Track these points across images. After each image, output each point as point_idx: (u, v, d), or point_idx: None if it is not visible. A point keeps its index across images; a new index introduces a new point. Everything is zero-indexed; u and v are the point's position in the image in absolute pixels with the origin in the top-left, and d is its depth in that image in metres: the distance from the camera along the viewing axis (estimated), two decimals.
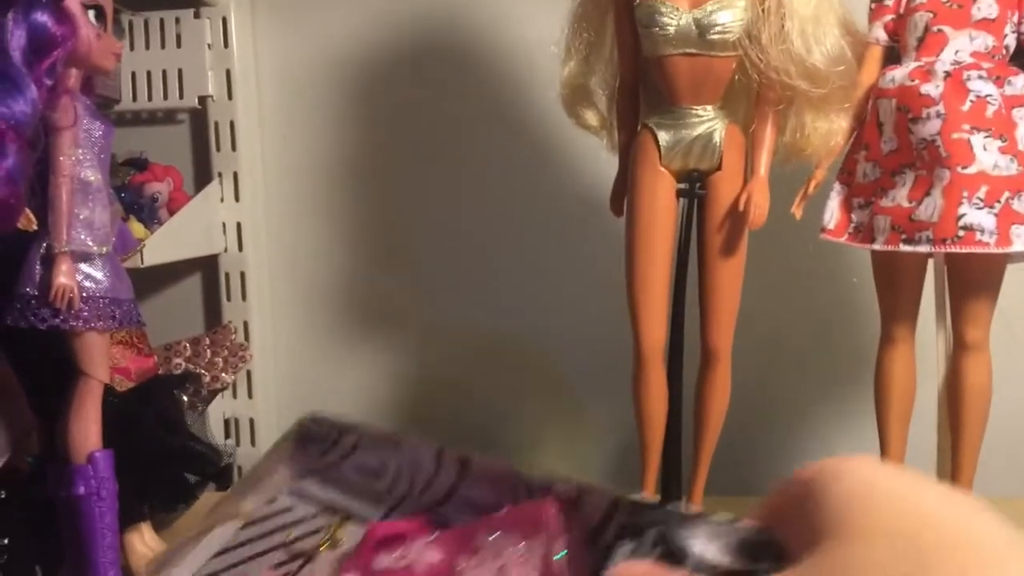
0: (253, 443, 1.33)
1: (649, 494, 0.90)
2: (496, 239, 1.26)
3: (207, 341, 1.29)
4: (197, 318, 1.36)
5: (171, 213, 1.22)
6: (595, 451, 1.26)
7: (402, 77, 1.26)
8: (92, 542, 0.80)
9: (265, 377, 1.34)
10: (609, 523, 0.47)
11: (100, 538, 0.81)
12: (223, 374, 1.28)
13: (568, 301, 1.23)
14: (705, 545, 0.39)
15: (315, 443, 0.64)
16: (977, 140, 0.75)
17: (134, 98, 1.28)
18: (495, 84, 1.22)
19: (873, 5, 0.86)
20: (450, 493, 0.57)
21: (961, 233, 0.74)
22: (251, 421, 1.33)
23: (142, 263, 1.08)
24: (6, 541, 0.71)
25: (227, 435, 1.33)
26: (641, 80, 0.88)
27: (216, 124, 1.28)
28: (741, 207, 0.81)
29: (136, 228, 1.14)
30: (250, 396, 1.33)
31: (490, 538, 0.51)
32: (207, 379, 1.26)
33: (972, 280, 0.80)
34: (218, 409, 1.31)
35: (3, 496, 0.73)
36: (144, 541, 0.90)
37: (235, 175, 1.29)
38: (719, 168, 0.83)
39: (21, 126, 0.73)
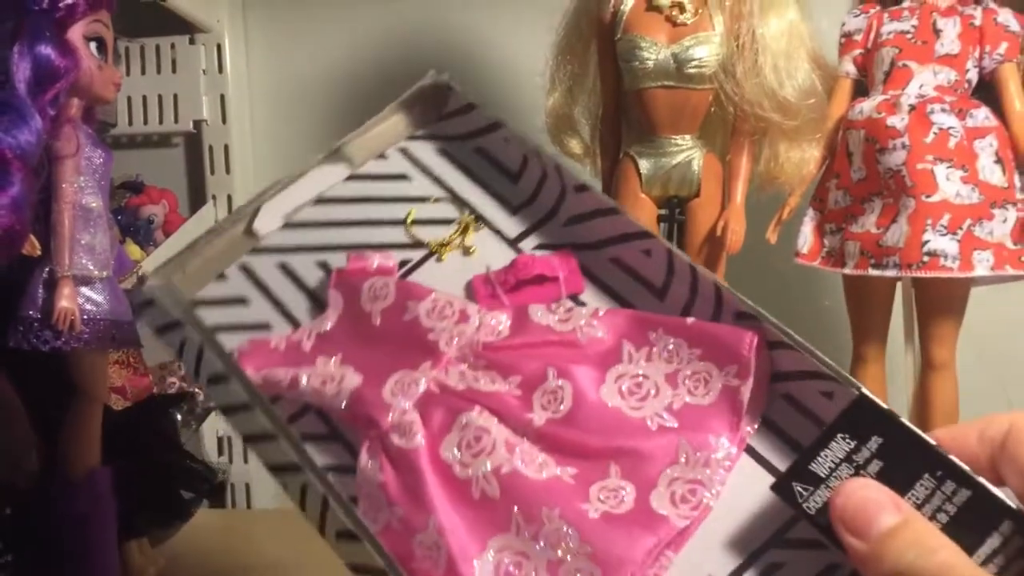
0: (246, 460, 1.35)
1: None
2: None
3: None
4: None
5: (166, 235, 1.25)
6: None
7: (393, 100, 1.29)
8: (92, 557, 0.83)
9: None
10: (805, 390, 0.43)
11: (100, 553, 0.84)
12: None
13: None
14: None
15: (436, 105, 0.57)
16: (940, 170, 0.79)
17: (130, 122, 1.31)
18: (486, 108, 1.25)
19: (843, 40, 0.90)
20: (603, 243, 0.51)
21: (926, 259, 0.78)
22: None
23: None
24: (9, 557, 0.73)
25: (220, 453, 1.35)
26: (623, 110, 0.91)
27: (210, 148, 1.31)
28: (719, 233, 0.85)
29: (132, 250, 1.17)
30: None
31: (665, 339, 0.46)
32: (201, 398, 1.29)
33: (937, 303, 0.83)
34: (211, 428, 1.33)
35: (7, 512, 0.75)
36: (142, 556, 0.93)
37: (229, 198, 1.32)
38: (697, 195, 0.86)
39: (26, 155, 0.76)
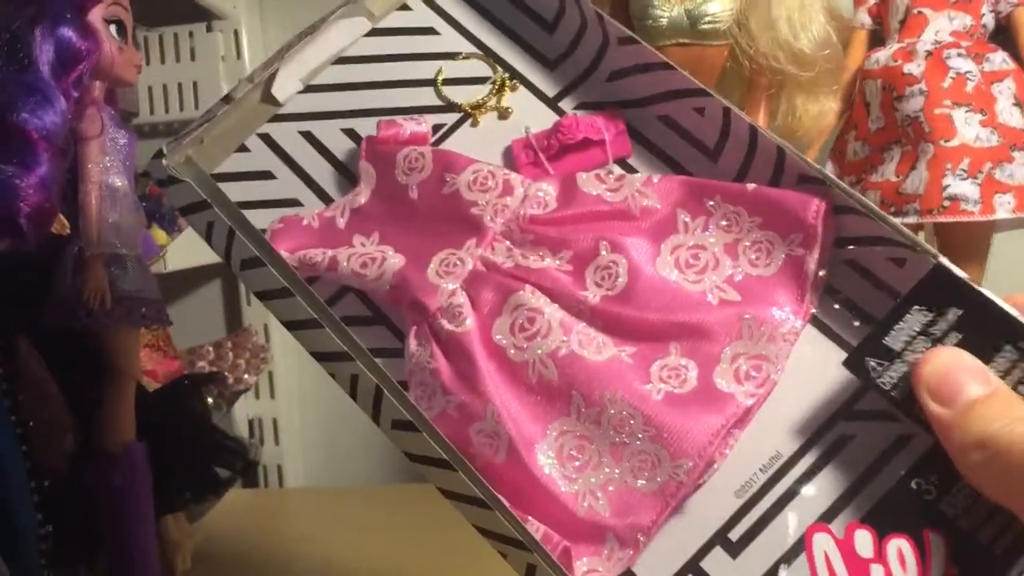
0: (276, 442, 1.37)
1: None
2: None
3: (229, 344, 1.33)
4: (218, 322, 1.40)
5: None
6: None
7: None
8: (129, 529, 0.84)
9: (287, 377, 1.38)
10: (872, 256, 0.41)
11: (137, 525, 0.85)
12: (245, 375, 1.32)
13: None
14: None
15: None
16: (958, 114, 0.78)
17: (151, 111, 1.32)
18: None
19: None
20: (648, 100, 0.47)
21: (946, 203, 0.77)
22: (274, 421, 1.37)
23: (165, 268, 1.12)
24: (50, 528, 0.75)
25: (251, 435, 1.37)
26: None
27: None
28: None
29: (158, 235, 1.18)
30: (272, 396, 1.37)
31: (723, 206, 0.43)
32: (230, 381, 1.30)
33: (960, 248, 0.83)
34: (242, 410, 1.35)
35: (45, 485, 0.76)
36: (178, 530, 0.94)
37: None
38: None
39: (52, 135, 0.77)
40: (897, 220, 0.78)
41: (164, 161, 0.45)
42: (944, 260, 0.37)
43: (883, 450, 0.38)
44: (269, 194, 0.48)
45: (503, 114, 0.49)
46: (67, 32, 0.80)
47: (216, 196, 0.45)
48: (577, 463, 0.39)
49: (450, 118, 0.49)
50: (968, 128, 0.78)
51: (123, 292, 0.85)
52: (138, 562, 0.84)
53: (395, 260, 0.44)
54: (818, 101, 0.86)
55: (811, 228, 0.40)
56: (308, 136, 0.49)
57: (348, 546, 0.97)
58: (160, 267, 1.10)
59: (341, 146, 0.49)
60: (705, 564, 0.38)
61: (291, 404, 1.38)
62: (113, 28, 0.85)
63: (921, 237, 0.87)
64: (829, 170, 0.89)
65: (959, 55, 0.80)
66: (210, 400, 1.18)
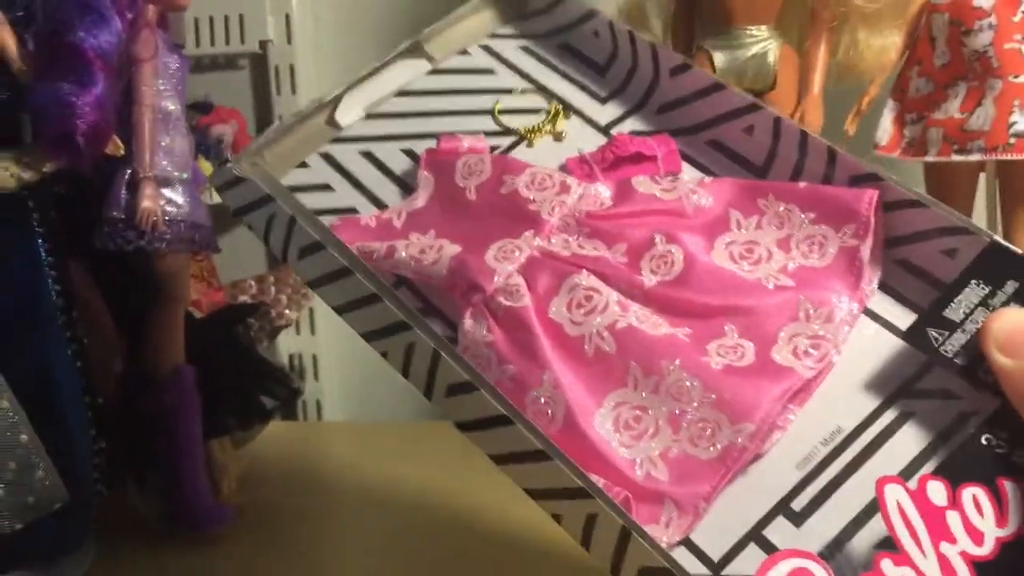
0: (316, 378, 1.38)
1: None
2: None
3: (271, 279, 1.34)
4: (260, 258, 1.41)
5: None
6: None
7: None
8: (178, 450, 0.86)
9: (328, 315, 1.37)
10: (923, 252, 0.42)
11: (186, 447, 0.86)
12: (287, 311, 1.33)
13: None
14: None
15: (521, 4, 0.56)
16: None
17: (197, 44, 1.32)
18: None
19: None
20: (699, 127, 0.50)
21: (1012, 140, 0.76)
22: (314, 357, 1.38)
23: (211, 199, 1.13)
24: (104, 444, 0.76)
25: (291, 369, 1.38)
26: (695, 2, 0.90)
27: (276, 68, 1.32)
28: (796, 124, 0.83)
29: (205, 167, 1.19)
30: (312, 332, 1.38)
31: (776, 205, 0.45)
32: (272, 315, 1.31)
33: (1022, 189, 0.81)
34: (283, 346, 1.36)
35: (99, 402, 0.78)
36: (225, 454, 0.95)
37: None
38: (773, 88, 0.85)
39: (108, 55, 0.77)
40: (960, 158, 0.77)
41: (229, 165, 0.49)
42: (999, 237, 0.39)
43: (947, 425, 0.38)
44: (327, 203, 0.51)
45: (558, 137, 0.51)
46: None
47: (279, 191, 0.47)
48: (634, 432, 0.40)
49: (506, 141, 0.52)
50: None
51: (174, 216, 0.85)
52: (187, 482, 0.86)
53: (453, 248, 0.46)
54: (881, 35, 0.84)
55: (864, 218, 0.42)
56: (368, 155, 0.52)
57: (384, 477, 0.99)
58: (207, 198, 1.11)
59: (400, 164, 0.52)
60: (768, 532, 0.38)
61: (330, 341, 1.39)
62: None
63: (983, 177, 0.86)
64: (890, 107, 0.87)
65: None
66: (252, 332, 1.19)
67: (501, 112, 0.52)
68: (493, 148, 0.51)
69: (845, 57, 0.85)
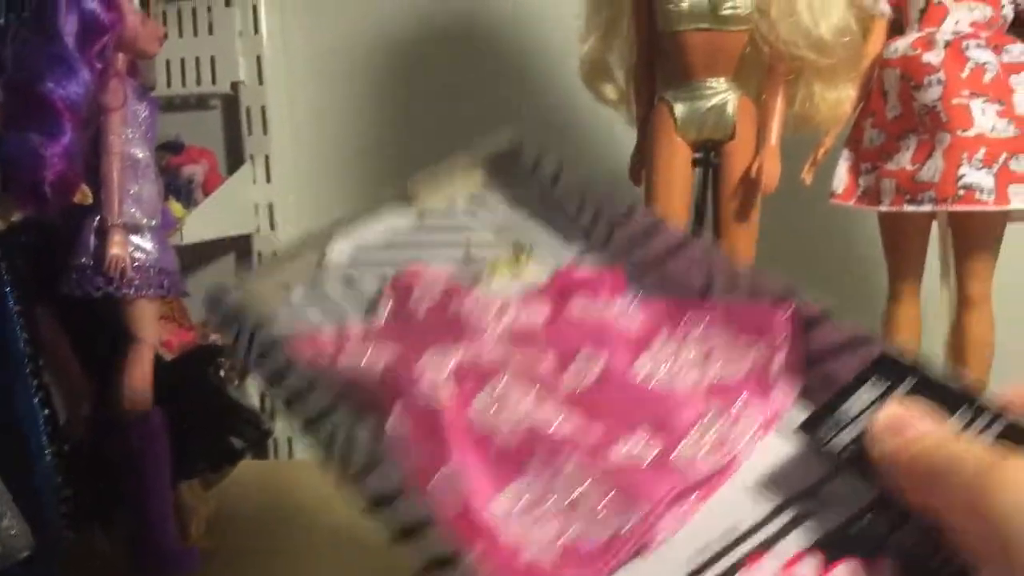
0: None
1: None
2: None
3: None
4: None
5: (206, 194, 1.27)
6: None
7: (429, 58, 1.31)
8: (146, 493, 0.86)
9: None
10: (838, 356, 0.44)
11: (153, 491, 0.87)
12: None
13: None
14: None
15: (508, 162, 0.62)
16: (976, 105, 0.79)
17: (168, 84, 1.33)
18: (519, 60, 1.27)
19: None
20: (651, 264, 0.54)
21: (961, 192, 0.78)
22: None
23: (182, 240, 1.13)
24: (70, 492, 0.76)
25: (262, 408, 1.38)
26: (657, 55, 0.92)
27: (248, 109, 1.33)
28: (754, 175, 0.85)
29: (175, 208, 1.19)
30: None
31: (699, 323, 0.48)
32: None
33: (973, 238, 0.84)
34: (255, 385, 1.36)
35: (66, 449, 0.78)
36: (193, 497, 0.96)
37: (266, 158, 1.34)
38: (732, 138, 0.87)
39: (76, 106, 0.79)
40: (912, 208, 0.80)
41: (214, 287, 0.52)
42: (892, 346, 0.41)
43: (839, 524, 0.39)
44: (303, 323, 0.55)
45: (517, 275, 0.56)
46: (92, 4, 0.81)
47: (255, 317, 0.51)
48: (528, 518, 0.41)
49: (471, 274, 0.56)
50: (985, 118, 0.79)
51: (143, 262, 0.86)
52: (155, 525, 0.86)
53: (390, 353, 0.49)
54: (836, 88, 0.86)
55: (778, 331, 0.45)
56: (348, 282, 0.57)
57: (356, 514, 0.99)
58: (177, 239, 1.12)
59: (373, 286, 0.56)
60: None
61: None
62: (136, 1, 0.86)
63: (935, 226, 0.89)
64: (845, 157, 0.90)
65: (978, 46, 0.81)
66: (222, 372, 1.20)
67: (472, 250, 0.57)
68: (456, 282, 0.55)
69: (801, 109, 0.88)
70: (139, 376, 0.87)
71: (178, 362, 1.04)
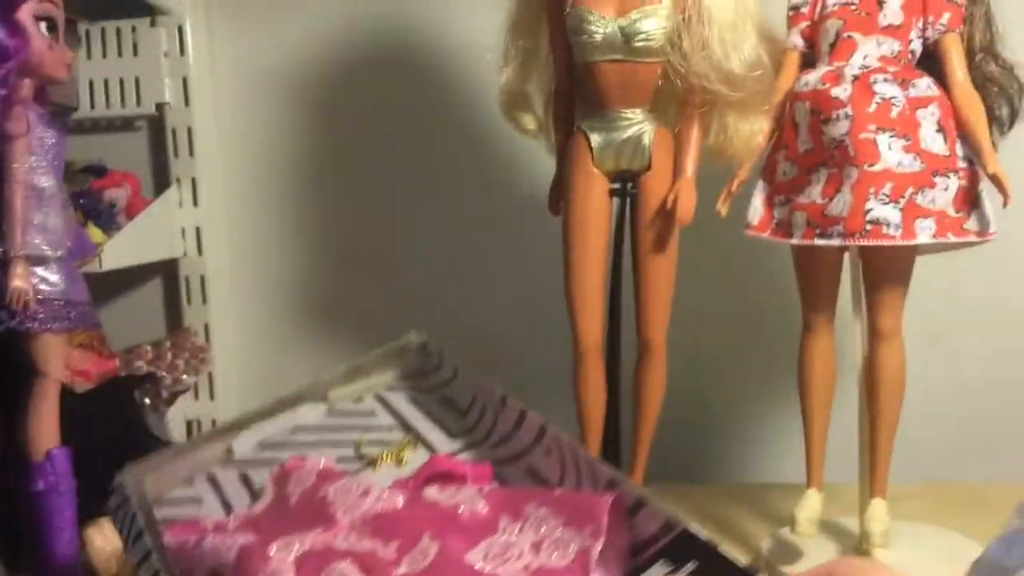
0: None
1: None
2: (447, 238, 1.30)
3: (168, 344, 1.32)
4: (159, 322, 1.39)
5: (129, 218, 1.24)
6: None
7: (356, 81, 1.30)
8: (51, 536, 0.84)
9: (227, 379, 1.37)
10: (655, 542, 0.50)
11: (59, 532, 0.84)
12: (184, 376, 1.31)
13: (510, 299, 1.28)
14: None
15: (415, 362, 0.70)
16: (883, 140, 0.80)
17: (92, 106, 1.31)
18: (444, 88, 1.27)
19: (790, 13, 0.90)
20: (519, 455, 0.61)
21: (869, 227, 0.79)
22: (213, 422, 1.36)
23: (101, 267, 1.11)
24: None
25: (189, 436, 1.35)
26: (575, 85, 0.92)
27: (174, 130, 1.31)
28: (670, 205, 0.85)
29: (95, 233, 1.17)
30: (212, 398, 1.36)
31: (538, 511, 0.53)
32: (168, 381, 1.29)
33: (882, 272, 0.84)
34: (181, 412, 1.34)
35: None
36: (103, 536, 0.93)
37: (193, 180, 1.32)
38: (649, 168, 0.87)
39: None
40: (822, 242, 0.80)
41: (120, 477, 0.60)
42: (693, 527, 0.47)
43: None
44: (190, 513, 0.62)
45: (399, 463, 0.63)
46: None
47: (144, 504, 0.58)
48: None
49: (357, 465, 0.63)
50: (892, 153, 0.79)
51: (48, 294, 0.84)
52: (60, 568, 0.84)
53: (248, 540, 0.54)
54: (749, 121, 0.87)
55: (599, 519, 0.50)
56: (244, 477, 0.63)
57: None
58: (95, 266, 1.09)
59: (262, 480, 0.63)
60: None
61: (231, 406, 1.37)
62: (43, 26, 0.84)
63: (847, 259, 0.89)
64: (760, 188, 0.90)
65: (885, 80, 0.81)
66: (147, 400, 1.17)
67: (364, 443, 0.64)
68: (344, 470, 0.62)
69: (716, 141, 0.88)
70: (44, 413, 0.85)
71: (92, 394, 1.01)
